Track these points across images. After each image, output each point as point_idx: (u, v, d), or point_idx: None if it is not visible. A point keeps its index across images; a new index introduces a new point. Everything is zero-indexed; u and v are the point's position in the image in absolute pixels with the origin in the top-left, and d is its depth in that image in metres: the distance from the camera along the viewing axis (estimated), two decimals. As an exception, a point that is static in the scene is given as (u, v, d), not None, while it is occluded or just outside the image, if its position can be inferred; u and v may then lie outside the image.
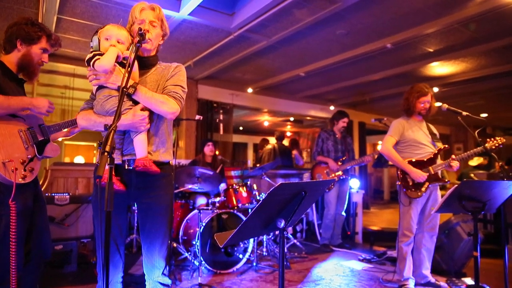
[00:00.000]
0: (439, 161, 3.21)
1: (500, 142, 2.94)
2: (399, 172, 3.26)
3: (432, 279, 3.25)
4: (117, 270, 1.84)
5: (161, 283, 1.85)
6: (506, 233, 4.37)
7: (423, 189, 3.13)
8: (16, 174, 1.88)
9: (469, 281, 3.36)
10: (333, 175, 4.85)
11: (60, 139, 2.56)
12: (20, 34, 2.05)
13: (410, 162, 3.20)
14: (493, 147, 2.94)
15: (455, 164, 3.09)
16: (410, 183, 3.18)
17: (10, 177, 1.86)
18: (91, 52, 1.74)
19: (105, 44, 1.75)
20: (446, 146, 3.29)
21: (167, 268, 1.89)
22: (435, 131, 3.37)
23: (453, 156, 3.12)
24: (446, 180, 3.21)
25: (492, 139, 2.97)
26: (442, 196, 3.25)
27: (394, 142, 3.30)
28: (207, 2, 3.85)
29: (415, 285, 3.22)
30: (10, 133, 1.95)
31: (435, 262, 3.45)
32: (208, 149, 4.91)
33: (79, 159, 10.17)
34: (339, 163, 4.87)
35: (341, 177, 4.86)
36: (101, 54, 1.70)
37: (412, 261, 3.23)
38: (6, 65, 2.06)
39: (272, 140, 7.72)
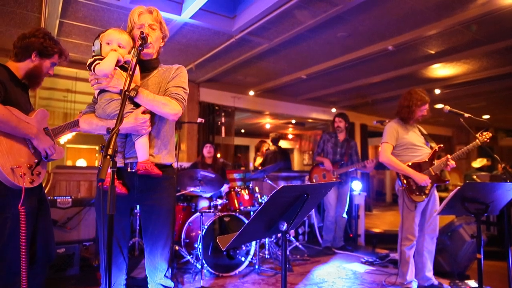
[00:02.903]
0: (436, 161, 3.21)
1: (488, 137, 3.00)
2: (402, 177, 3.24)
3: (435, 281, 3.24)
4: (121, 272, 1.84)
5: (163, 286, 1.85)
6: (510, 235, 4.35)
7: (426, 191, 3.13)
8: (24, 179, 1.90)
9: (472, 283, 3.34)
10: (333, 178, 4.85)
11: (62, 142, 2.58)
12: (37, 47, 2.11)
13: (410, 166, 3.20)
14: (484, 141, 2.99)
15: (451, 164, 3.09)
16: (414, 187, 3.17)
17: (19, 182, 1.89)
18: (93, 56, 1.75)
19: (107, 49, 1.76)
20: (441, 145, 3.28)
21: (170, 270, 1.89)
22: (424, 131, 3.38)
23: (449, 156, 3.12)
24: (446, 179, 3.22)
25: (481, 133, 3.03)
26: (440, 197, 3.26)
27: (391, 148, 3.29)
28: (208, 5, 3.86)
29: (418, 287, 3.21)
30: (16, 139, 1.97)
31: (438, 264, 3.44)
32: (206, 151, 4.91)
33: (81, 162, 10.18)
34: (337, 167, 4.86)
35: (338, 181, 4.85)
36: (102, 59, 1.71)
37: (414, 264, 3.22)
38: (12, 71, 2.09)
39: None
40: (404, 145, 3.26)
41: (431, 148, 3.30)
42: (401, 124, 3.32)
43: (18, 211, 1.85)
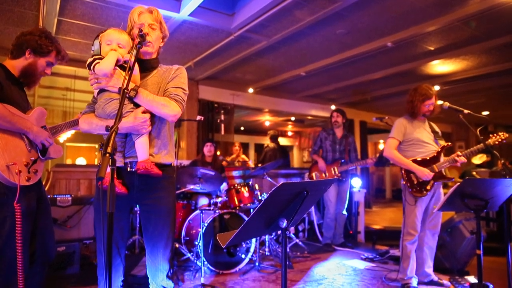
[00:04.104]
0: (442, 159, 3.21)
1: (503, 137, 2.94)
2: (403, 172, 3.25)
3: (435, 277, 3.25)
4: (118, 274, 1.83)
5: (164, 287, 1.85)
6: (509, 231, 4.37)
7: (428, 187, 3.13)
8: (20, 177, 1.89)
9: (472, 279, 3.35)
10: (332, 171, 4.85)
11: (61, 140, 2.58)
12: (32, 44, 2.10)
13: (414, 161, 3.20)
14: (497, 142, 2.94)
15: (460, 159, 3.08)
16: (415, 182, 3.17)
17: (15, 180, 1.88)
18: (92, 56, 1.75)
19: (106, 49, 1.75)
20: (449, 144, 3.28)
21: (171, 270, 1.88)
22: (437, 129, 3.37)
23: (459, 153, 3.11)
24: (450, 177, 3.20)
25: (495, 134, 2.97)
26: (445, 194, 3.25)
27: (397, 143, 3.29)
28: (207, 2, 3.85)
29: (418, 283, 3.21)
30: (13, 136, 1.97)
31: (437, 260, 3.44)
32: (206, 150, 4.91)
33: (81, 161, 10.18)
34: (338, 165, 4.86)
35: (339, 179, 4.86)
36: (102, 58, 1.71)
37: (415, 259, 3.23)
38: (8, 69, 2.09)
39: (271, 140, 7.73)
40: (411, 140, 3.26)
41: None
42: (410, 120, 3.32)
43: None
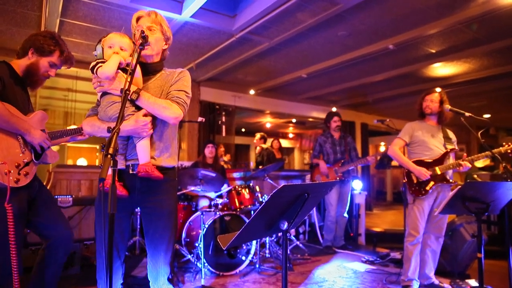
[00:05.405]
0: (448, 162, 3.21)
1: None
2: (404, 171, 3.31)
3: (435, 280, 3.24)
4: (117, 276, 1.82)
5: None
6: (510, 234, 4.35)
7: (427, 188, 3.14)
8: (9, 177, 1.87)
9: (473, 282, 3.34)
10: (334, 172, 4.85)
11: None
12: (35, 44, 2.12)
13: (417, 162, 3.22)
14: (509, 151, 2.91)
15: (465, 164, 3.07)
16: (415, 182, 3.21)
17: (3, 180, 1.86)
18: (95, 60, 1.75)
19: (109, 52, 1.76)
20: (456, 148, 3.28)
21: (170, 272, 1.88)
22: (451, 135, 3.38)
23: (465, 155, 3.11)
24: (453, 181, 3.20)
25: (509, 143, 2.94)
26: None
27: (402, 144, 3.37)
28: (209, 4, 3.86)
29: (419, 286, 3.21)
30: (8, 136, 1.96)
31: (439, 263, 3.44)
32: (208, 151, 4.91)
33: (82, 162, 10.18)
34: (339, 165, 4.87)
35: (341, 179, 4.86)
36: (104, 62, 1.72)
37: (418, 262, 3.22)
38: (14, 68, 2.10)
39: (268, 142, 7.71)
40: (417, 142, 3.31)
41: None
42: (420, 123, 3.38)
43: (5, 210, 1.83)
